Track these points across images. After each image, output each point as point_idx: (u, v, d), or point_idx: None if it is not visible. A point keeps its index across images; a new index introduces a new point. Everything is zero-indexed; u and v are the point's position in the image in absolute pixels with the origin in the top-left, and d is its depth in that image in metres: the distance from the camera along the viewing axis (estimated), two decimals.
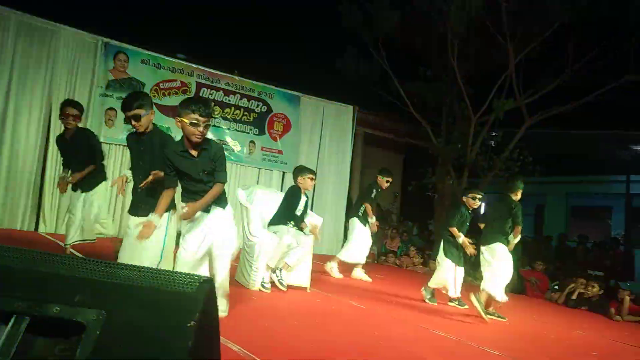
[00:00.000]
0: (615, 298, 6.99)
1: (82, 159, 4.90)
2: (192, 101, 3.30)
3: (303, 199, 5.47)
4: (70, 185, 4.98)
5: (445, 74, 10.57)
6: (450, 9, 8.61)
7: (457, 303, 5.66)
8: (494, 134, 10.91)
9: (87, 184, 4.94)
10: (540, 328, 5.62)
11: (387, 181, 7.22)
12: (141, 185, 3.56)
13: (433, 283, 5.72)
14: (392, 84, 10.24)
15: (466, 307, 5.53)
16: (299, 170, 5.63)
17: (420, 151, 12.02)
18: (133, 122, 3.58)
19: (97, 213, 5.02)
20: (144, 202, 3.63)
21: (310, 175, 5.55)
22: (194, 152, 3.29)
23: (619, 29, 9.21)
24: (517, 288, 7.73)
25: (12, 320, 1.14)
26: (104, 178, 5.13)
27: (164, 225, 3.52)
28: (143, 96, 3.80)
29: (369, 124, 11.95)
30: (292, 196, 5.44)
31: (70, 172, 5.01)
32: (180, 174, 3.34)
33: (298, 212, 5.41)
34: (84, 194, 4.95)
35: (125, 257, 3.56)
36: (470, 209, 5.68)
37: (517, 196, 5.30)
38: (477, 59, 10.52)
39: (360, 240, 7.06)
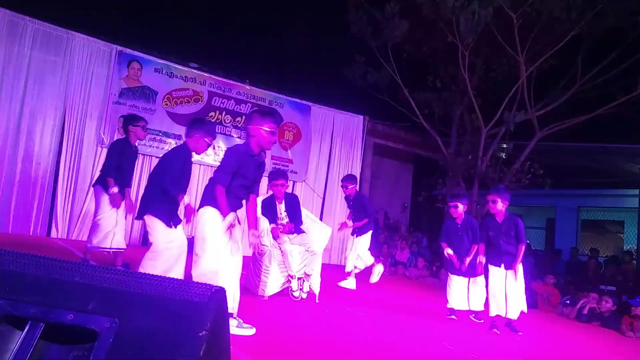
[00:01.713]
0: (627, 314, 6.88)
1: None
2: (271, 111, 3.58)
3: (277, 206, 5.45)
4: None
5: (454, 84, 10.57)
6: (459, 18, 8.61)
7: (473, 316, 5.61)
8: (504, 145, 10.85)
9: None
10: (552, 343, 5.55)
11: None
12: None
13: (451, 302, 5.63)
14: (401, 93, 10.25)
15: (482, 321, 5.48)
16: (270, 177, 5.56)
17: (430, 162, 11.99)
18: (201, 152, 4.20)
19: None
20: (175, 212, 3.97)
21: (275, 181, 5.41)
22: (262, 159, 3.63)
23: (629, 40, 9.18)
24: (528, 302, 7.64)
25: (27, 327, 1.15)
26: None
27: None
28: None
29: (379, 134, 11.96)
30: (265, 205, 5.42)
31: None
32: (251, 183, 3.59)
33: (283, 221, 5.40)
34: None
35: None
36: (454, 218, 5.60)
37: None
38: (487, 70, 10.52)
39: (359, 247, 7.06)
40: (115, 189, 4.86)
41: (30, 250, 1.32)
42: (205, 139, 4.08)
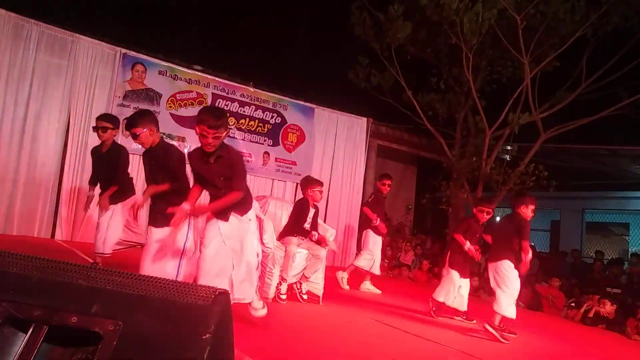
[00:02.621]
0: (633, 316, 6.85)
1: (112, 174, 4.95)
2: (204, 111, 3.34)
3: (312, 211, 5.46)
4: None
5: (458, 86, 10.56)
6: (463, 20, 8.61)
7: (464, 318, 5.60)
8: (508, 147, 10.83)
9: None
10: (556, 346, 5.52)
11: (384, 184, 7.06)
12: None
13: (438, 295, 5.63)
14: (405, 95, 10.24)
15: (474, 322, 5.47)
16: (308, 182, 5.59)
17: (434, 164, 11.96)
18: (135, 141, 3.90)
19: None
20: (162, 213, 3.72)
21: (319, 188, 5.50)
22: (210, 159, 3.35)
23: (634, 41, 9.17)
24: (533, 305, 7.62)
25: (30, 329, 1.15)
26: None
27: (184, 230, 3.59)
28: (140, 115, 4.00)
29: (383, 136, 11.95)
30: (300, 209, 5.42)
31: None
32: (202, 178, 3.43)
33: (307, 225, 5.39)
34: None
35: (147, 264, 3.65)
36: (480, 222, 5.61)
37: (526, 211, 5.11)
38: (491, 72, 10.50)
39: (375, 250, 7.02)
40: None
41: (35, 252, 1.31)
42: None
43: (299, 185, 9.88)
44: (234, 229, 3.45)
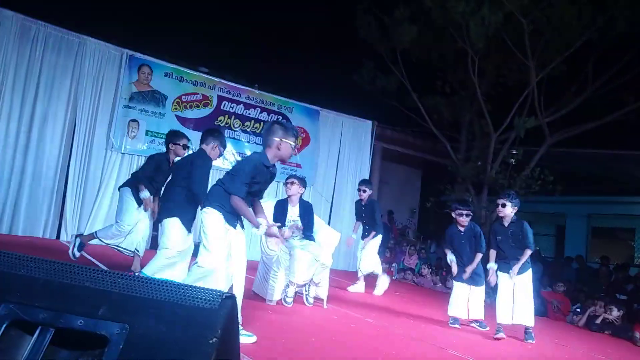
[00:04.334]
0: (639, 322, 6.79)
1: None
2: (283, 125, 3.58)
3: (288, 209, 5.48)
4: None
5: (464, 89, 10.53)
6: (469, 24, 8.59)
7: (478, 325, 5.54)
8: (514, 151, 10.79)
9: None
10: (562, 352, 5.48)
11: (358, 190, 7.16)
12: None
13: (449, 309, 5.55)
14: (410, 98, 10.23)
15: (487, 328, 5.42)
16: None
17: (439, 167, 11.93)
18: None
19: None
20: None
21: (291, 180, 5.61)
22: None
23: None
24: (538, 310, 7.56)
25: (37, 332, 1.15)
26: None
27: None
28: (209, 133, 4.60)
29: (388, 139, 11.93)
30: (277, 207, 5.46)
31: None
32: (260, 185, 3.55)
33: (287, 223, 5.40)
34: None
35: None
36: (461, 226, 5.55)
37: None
38: (497, 76, 10.47)
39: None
40: (146, 193, 5.03)
41: (40, 254, 1.31)
42: (220, 149, 4.62)
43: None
44: (241, 237, 3.57)
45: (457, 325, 5.45)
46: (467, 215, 5.48)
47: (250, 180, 3.37)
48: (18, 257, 1.27)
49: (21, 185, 7.20)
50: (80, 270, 1.28)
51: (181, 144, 5.14)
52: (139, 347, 1.13)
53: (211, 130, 4.83)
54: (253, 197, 3.53)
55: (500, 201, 5.17)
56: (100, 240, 5.14)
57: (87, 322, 1.16)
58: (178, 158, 5.14)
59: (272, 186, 9.62)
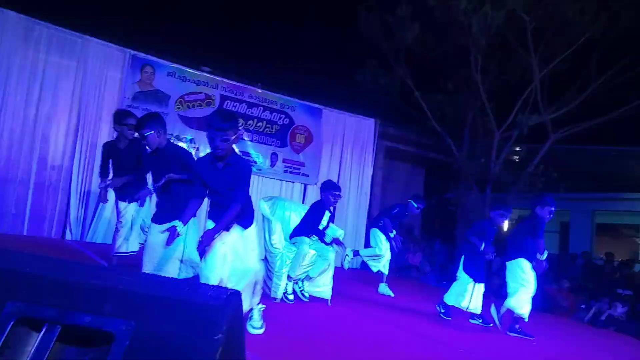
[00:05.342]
0: None
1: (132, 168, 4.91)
2: (212, 115, 3.35)
3: (327, 213, 5.48)
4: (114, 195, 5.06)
5: (467, 87, 10.51)
6: (472, 21, 8.57)
7: (480, 321, 5.55)
8: (517, 148, 10.77)
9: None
10: (566, 348, 5.48)
11: (418, 208, 7.11)
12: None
13: (448, 298, 5.59)
14: (413, 96, 10.22)
15: (490, 325, 5.42)
16: (326, 186, 5.62)
17: (442, 165, 11.92)
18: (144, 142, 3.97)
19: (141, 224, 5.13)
20: (165, 210, 3.85)
21: (337, 192, 5.54)
22: (219, 165, 3.30)
23: None
24: (542, 307, 7.56)
25: (43, 329, 1.16)
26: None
27: (182, 233, 3.59)
28: (147, 117, 4.02)
29: (391, 137, 11.91)
30: (316, 210, 5.44)
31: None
32: (207, 185, 3.37)
33: (320, 227, 5.40)
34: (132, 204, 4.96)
35: (148, 264, 3.67)
36: (495, 225, 5.59)
37: (544, 213, 5.17)
38: (500, 73, 10.44)
39: (381, 247, 6.95)
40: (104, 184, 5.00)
41: (46, 252, 1.32)
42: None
43: (306, 186, 9.91)
44: (236, 240, 3.40)
45: (449, 317, 5.51)
46: (503, 216, 5.67)
47: (197, 175, 3.40)
48: (24, 255, 1.28)
49: (26, 185, 7.22)
50: (86, 267, 1.29)
51: (127, 124, 4.93)
52: (144, 343, 1.13)
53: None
54: (210, 196, 3.45)
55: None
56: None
57: (94, 319, 1.16)
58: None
59: (275, 185, 9.64)
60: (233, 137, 3.20)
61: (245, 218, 3.43)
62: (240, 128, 3.40)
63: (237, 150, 8.82)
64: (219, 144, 3.16)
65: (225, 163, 3.29)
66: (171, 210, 3.69)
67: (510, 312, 5.18)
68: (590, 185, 13.88)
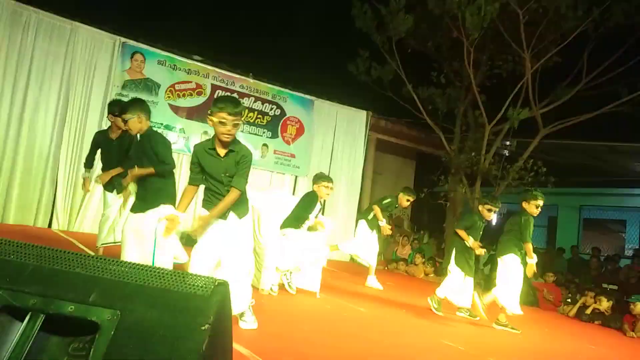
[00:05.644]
0: (629, 313, 6.86)
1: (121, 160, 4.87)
2: (221, 99, 3.28)
3: (318, 206, 5.46)
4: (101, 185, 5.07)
5: (459, 80, 10.51)
6: (465, 15, 8.55)
7: (467, 314, 5.59)
8: (508, 143, 10.80)
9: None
10: (552, 341, 5.54)
11: (408, 200, 7.11)
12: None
13: (441, 292, 5.62)
14: (405, 89, 10.20)
15: (477, 318, 5.46)
16: (318, 178, 5.60)
17: (433, 158, 11.94)
18: (124, 126, 4.12)
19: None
20: (139, 199, 3.96)
21: (326, 184, 5.51)
22: (221, 152, 3.24)
23: (635, 38, 9.14)
24: (529, 300, 7.64)
25: (27, 318, 1.14)
26: None
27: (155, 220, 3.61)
28: (131, 103, 4.12)
29: (382, 130, 11.91)
30: (308, 201, 5.42)
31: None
32: (204, 172, 3.32)
33: (311, 218, 5.39)
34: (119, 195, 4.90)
35: (127, 253, 3.75)
36: (484, 219, 5.61)
37: (531, 208, 5.22)
38: (492, 67, 10.45)
39: (365, 241, 6.94)
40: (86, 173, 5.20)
41: (32, 242, 1.30)
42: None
43: (297, 178, 9.89)
44: (231, 229, 3.34)
45: (440, 312, 5.53)
46: (494, 212, 5.71)
47: (194, 162, 3.35)
48: (8, 242, 1.26)
49: (12, 173, 7.13)
50: (71, 256, 1.27)
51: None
52: (130, 333, 1.12)
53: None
54: (208, 183, 3.38)
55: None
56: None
57: (78, 308, 1.15)
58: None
59: (266, 176, 9.60)
60: (239, 122, 3.17)
61: (241, 207, 3.40)
62: None
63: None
64: (230, 128, 3.12)
65: (229, 150, 3.24)
66: (144, 199, 3.83)
67: (497, 305, 5.23)
68: (578, 181, 13.99)
